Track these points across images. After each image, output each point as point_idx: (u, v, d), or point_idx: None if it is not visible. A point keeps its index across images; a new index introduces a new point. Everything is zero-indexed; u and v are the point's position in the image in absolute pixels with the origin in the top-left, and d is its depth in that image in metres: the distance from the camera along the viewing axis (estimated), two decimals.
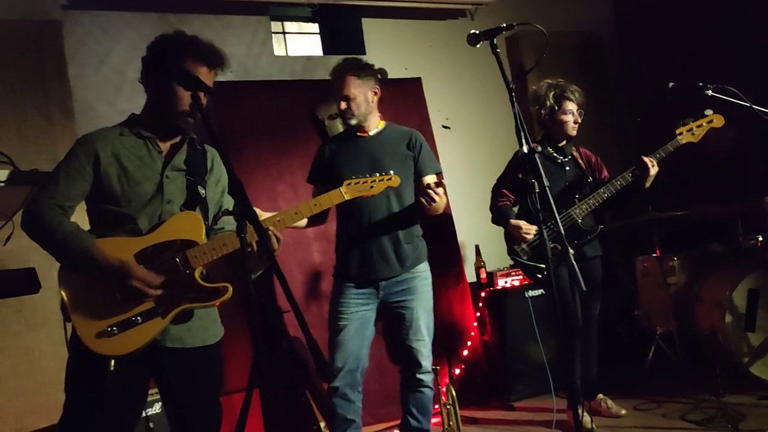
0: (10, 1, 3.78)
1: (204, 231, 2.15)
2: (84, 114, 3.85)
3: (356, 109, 3.00)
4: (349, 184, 2.60)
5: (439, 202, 2.84)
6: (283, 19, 4.94)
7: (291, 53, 4.93)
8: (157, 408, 3.11)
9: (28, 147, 3.66)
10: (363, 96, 3.01)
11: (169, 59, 2.11)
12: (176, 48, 2.13)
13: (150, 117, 2.20)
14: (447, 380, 4.18)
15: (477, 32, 2.48)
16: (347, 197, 2.59)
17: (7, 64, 3.67)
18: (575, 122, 3.60)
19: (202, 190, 2.19)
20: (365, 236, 2.96)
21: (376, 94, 3.06)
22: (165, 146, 2.20)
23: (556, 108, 3.58)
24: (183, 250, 2.10)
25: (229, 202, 2.29)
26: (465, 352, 4.40)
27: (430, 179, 3.04)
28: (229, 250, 2.12)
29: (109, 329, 1.99)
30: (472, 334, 4.46)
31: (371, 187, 2.62)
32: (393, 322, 3.01)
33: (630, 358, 4.48)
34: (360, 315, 2.95)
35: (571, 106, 3.58)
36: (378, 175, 2.64)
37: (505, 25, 2.47)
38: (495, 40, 2.47)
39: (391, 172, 2.66)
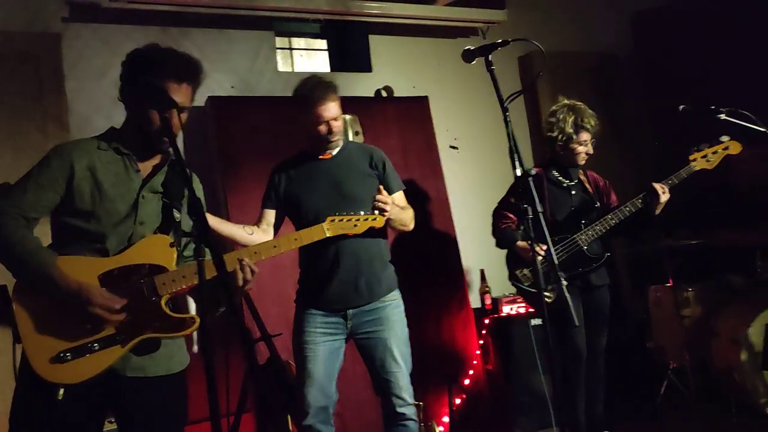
0: (11, 12, 3.76)
1: (175, 257, 2.04)
2: (80, 128, 3.78)
3: (340, 133, 2.89)
4: (332, 220, 2.53)
5: (394, 211, 2.71)
6: (289, 35, 4.89)
7: (297, 69, 4.86)
8: None
9: (22, 160, 3.59)
10: (341, 119, 2.90)
11: (140, 76, 2.01)
12: (146, 64, 2.03)
13: (129, 134, 2.10)
14: (446, 410, 4.04)
15: (472, 48, 2.40)
16: (329, 234, 2.52)
17: (3, 76, 3.63)
18: (587, 153, 3.47)
19: (177, 215, 2.08)
20: (331, 262, 2.81)
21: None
22: (145, 166, 2.10)
23: (574, 137, 3.43)
24: (151, 276, 1.99)
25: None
26: (467, 382, 4.24)
27: (397, 197, 2.92)
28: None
29: (62, 355, 1.87)
30: (475, 362, 4.30)
31: (355, 225, 2.55)
32: (365, 355, 2.85)
33: (640, 393, 4.29)
34: (328, 345, 2.80)
35: (586, 136, 3.44)
36: (362, 213, 2.57)
37: (500, 41, 2.36)
38: (495, 58, 2.37)
39: (376, 212, 2.61)
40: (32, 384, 1.89)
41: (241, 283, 2.03)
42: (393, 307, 2.86)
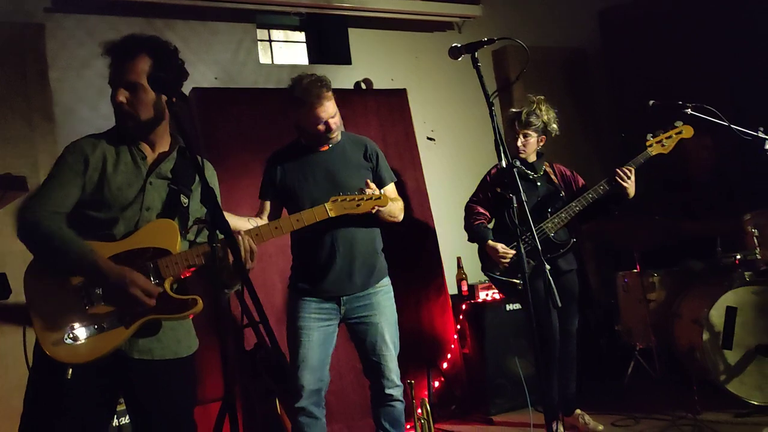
0: None
1: (179, 240, 2.11)
2: (65, 118, 3.81)
3: (338, 128, 2.92)
4: (335, 201, 2.56)
5: (383, 201, 2.71)
6: (269, 27, 4.95)
7: (277, 62, 4.93)
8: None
9: (7, 150, 3.62)
10: (338, 113, 2.93)
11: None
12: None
13: None
14: (425, 393, 4.17)
15: (459, 45, 2.50)
16: (332, 214, 2.56)
17: None
18: (523, 145, 3.64)
19: (185, 200, 2.15)
20: (327, 252, 2.87)
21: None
22: (152, 154, 2.17)
23: (509, 129, 3.68)
24: (155, 259, 2.06)
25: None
26: (444, 365, 4.38)
27: (388, 189, 2.99)
28: (202, 262, 2.07)
29: (69, 336, 1.95)
30: (452, 346, 4.44)
31: (358, 205, 2.58)
32: (357, 339, 2.95)
33: (610, 373, 4.48)
34: (322, 330, 2.88)
35: (519, 128, 3.64)
36: (366, 193, 2.61)
37: (486, 39, 2.48)
38: (477, 53, 2.48)
39: (382, 191, 2.66)
40: (43, 364, 1.97)
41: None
42: (384, 293, 2.96)
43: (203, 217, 2.10)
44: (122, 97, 2.06)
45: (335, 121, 2.89)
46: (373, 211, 2.67)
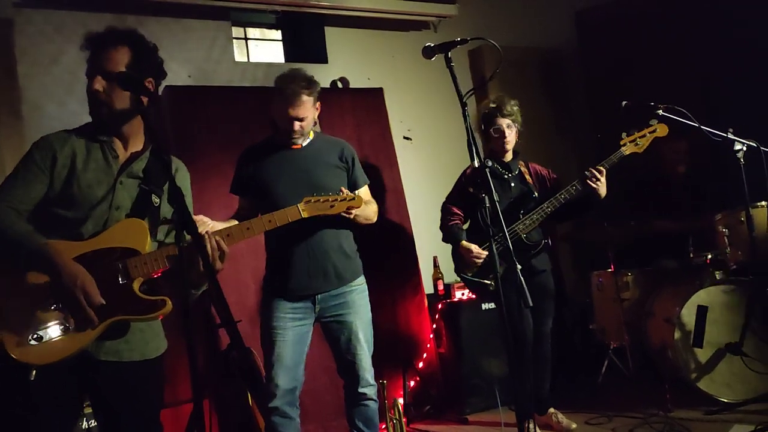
0: None
1: (148, 240, 2.07)
2: (33, 115, 3.74)
3: (306, 129, 2.92)
4: (308, 201, 2.54)
5: (357, 203, 2.70)
6: (245, 25, 4.91)
7: (252, 59, 4.89)
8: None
9: None
10: (312, 116, 2.92)
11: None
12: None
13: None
14: (401, 393, 4.18)
15: (432, 45, 2.48)
16: (305, 215, 2.54)
17: None
18: (504, 136, 3.65)
19: (156, 200, 2.11)
20: (301, 251, 2.86)
21: (317, 110, 2.97)
22: (124, 152, 2.13)
23: (482, 126, 3.68)
24: (124, 259, 2.02)
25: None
26: (420, 364, 4.38)
27: (362, 191, 3.00)
28: (171, 262, 2.03)
29: (34, 336, 1.90)
30: (428, 346, 4.45)
31: (331, 206, 2.56)
32: (331, 337, 2.95)
33: (584, 372, 4.52)
34: (297, 330, 2.87)
35: (499, 121, 3.64)
36: (340, 194, 2.60)
37: (459, 39, 2.47)
38: (451, 53, 2.47)
39: (356, 192, 2.66)
40: (6, 365, 1.91)
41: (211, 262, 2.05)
42: (359, 292, 2.96)
43: (170, 217, 2.07)
44: (99, 85, 2.03)
45: (302, 125, 2.88)
46: (347, 213, 2.66)
